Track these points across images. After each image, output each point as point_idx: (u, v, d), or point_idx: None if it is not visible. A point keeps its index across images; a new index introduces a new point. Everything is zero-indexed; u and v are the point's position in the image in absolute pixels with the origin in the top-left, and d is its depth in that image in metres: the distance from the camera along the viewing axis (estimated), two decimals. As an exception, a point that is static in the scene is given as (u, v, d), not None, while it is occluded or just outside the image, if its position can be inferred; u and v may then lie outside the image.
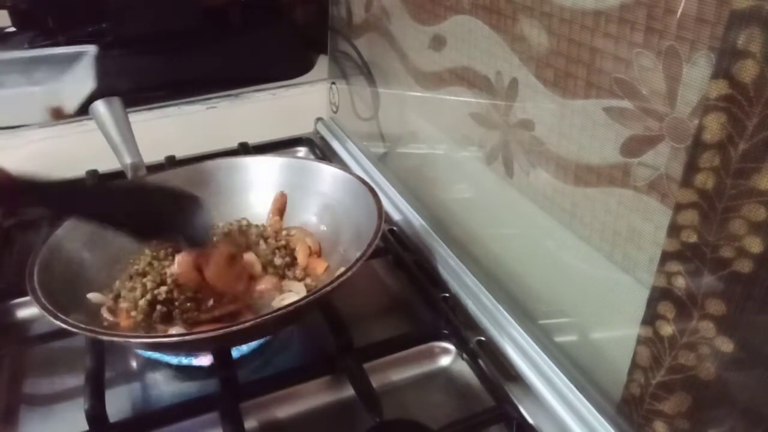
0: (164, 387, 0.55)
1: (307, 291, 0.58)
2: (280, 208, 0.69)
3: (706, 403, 0.38)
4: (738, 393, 0.36)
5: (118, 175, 0.72)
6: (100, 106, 0.71)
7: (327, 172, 0.67)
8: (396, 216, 0.74)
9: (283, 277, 0.60)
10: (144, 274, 0.58)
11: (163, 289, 0.56)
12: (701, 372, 0.38)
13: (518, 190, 0.55)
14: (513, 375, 0.52)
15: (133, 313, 0.55)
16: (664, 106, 0.38)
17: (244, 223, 0.66)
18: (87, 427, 0.48)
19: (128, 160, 0.69)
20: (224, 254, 0.56)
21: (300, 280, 0.60)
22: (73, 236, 0.59)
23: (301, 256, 0.63)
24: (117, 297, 0.58)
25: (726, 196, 0.33)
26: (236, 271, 0.57)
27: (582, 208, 0.47)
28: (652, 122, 0.39)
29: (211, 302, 0.56)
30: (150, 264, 0.60)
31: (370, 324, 0.60)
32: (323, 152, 0.92)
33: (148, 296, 0.55)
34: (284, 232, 0.66)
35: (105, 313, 0.56)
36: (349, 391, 0.51)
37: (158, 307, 0.55)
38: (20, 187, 0.45)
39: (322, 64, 1.02)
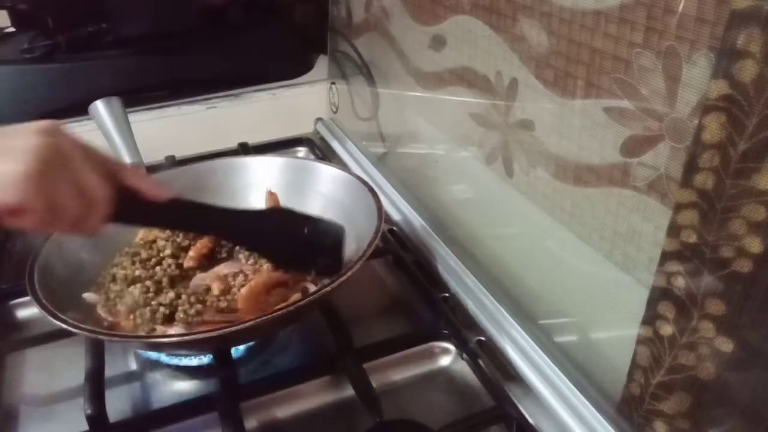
0: (164, 387, 0.55)
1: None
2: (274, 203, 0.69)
3: (706, 403, 0.38)
4: (738, 393, 0.36)
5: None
6: (99, 106, 0.71)
7: (327, 172, 0.67)
8: (396, 216, 0.74)
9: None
10: (135, 281, 0.58)
11: (169, 297, 0.56)
12: (701, 372, 0.38)
13: (518, 190, 0.55)
14: (513, 375, 0.52)
15: (131, 317, 0.55)
16: (663, 106, 0.38)
17: None
18: (87, 427, 0.48)
19: (128, 160, 0.69)
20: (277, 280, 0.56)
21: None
22: (73, 236, 0.59)
23: None
24: (109, 297, 0.58)
25: (726, 196, 0.33)
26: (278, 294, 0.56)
27: (582, 208, 0.47)
28: (652, 122, 0.39)
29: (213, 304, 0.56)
30: (138, 268, 0.60)
31: (370, 324, 0.60)
32: (323, 152, 0.92)
33: (153, 303, 0.55)
34: None
35: (102, 312, 0.55)
36: (349, 391, 0.51)
37: (161, 309, 0.55)
38: (166, 204, 0.48)
39: (322, 64, 1.02)
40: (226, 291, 0.57)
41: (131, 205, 0.45)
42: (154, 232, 0.65)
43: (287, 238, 0.54)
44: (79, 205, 0.41)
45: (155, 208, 0.47)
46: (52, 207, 0.40)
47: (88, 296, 0.57)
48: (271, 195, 0.69)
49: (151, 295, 0.57)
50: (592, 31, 0.42)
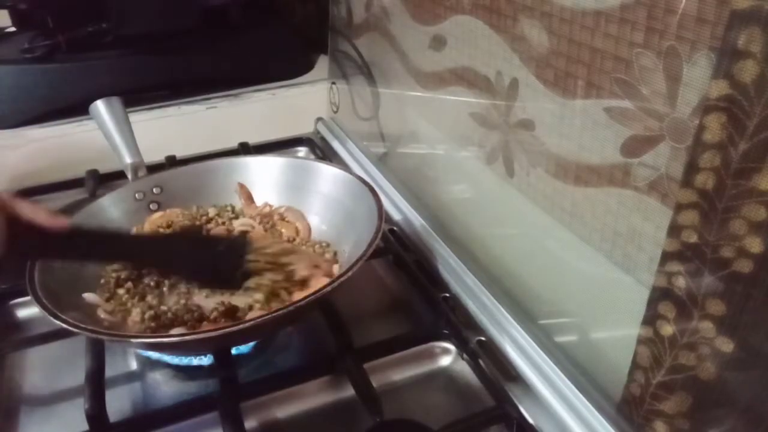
0: (164, 387, 0.55)
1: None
2: (248, 195, 0.70)
3: (706, 403, 0.38)
4: (738, 393, 0.36)
5: (119, 175, 0.72)
6: (100, 106, 0.71)
7: (327, 172, 0.67)
8: (396, 216, 0.74)
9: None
10: (144, 295, 0.59)
11: (174, 308, 0.57)
12: (701, 372, 0.38)
13: (518, 190, 0.55)
14: (513, 375, 0.52)
15: (137, 319, 0.56)
16: (664, 106, 0.38)
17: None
18: (87, 427, 0.48)
19: (128, 160, 0.69)
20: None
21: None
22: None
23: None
24: (110, 298, 0.58)
25: (726, 196, 0.33)
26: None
27: (582, 208, 0.47)
28: (653, 122, 0.39)
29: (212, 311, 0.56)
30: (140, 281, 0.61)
31: (370, 324, 0.60)
32: (323, 152, 0.92)
33: (156, 311, 0.56)
34: (275, 216, 0.68)
35: (102, 314, 0.56)
36: (349, 391, 0.51)
37: (164, 313, 0.56)
38: (67, 235, 0.45)
39: (322, 64, 1.02)
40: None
41: (28, 239, 0.42)
42: (148, 231, 0.65)
43: (202, 257, 0.53)
44: None
45: (57, 240, 0.44)
46: None
47: (88, 296, 0.57)
48: (242, 187, 0.70)
49: (155, 302, 0.57)
50: (593, 31, 0.42)
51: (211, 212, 0.69)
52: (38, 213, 0.43)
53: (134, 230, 0.66)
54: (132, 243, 0.52)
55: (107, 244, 0.50)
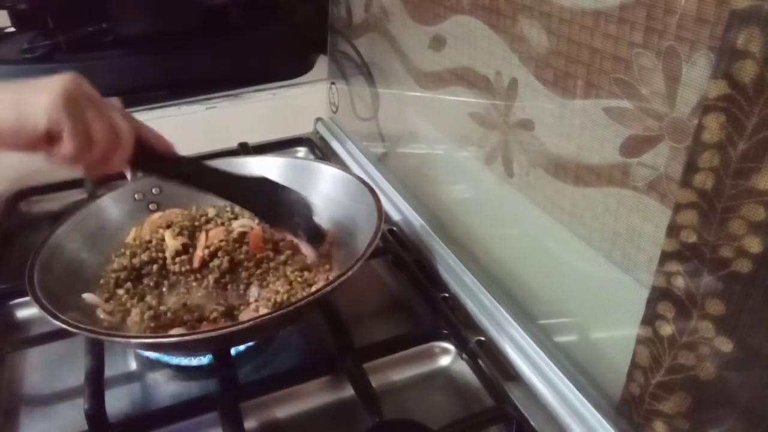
0: (164, 387, 0.55)
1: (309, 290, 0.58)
2: None
3: (705, 403, 0.38)
4: (738, 393, 0.36)
5: (118, 175, 0.72)
6: (99, 107, 0.71)
7: (327, 172, 0.67)
8: (396, 216, 0.74)
9: None
10: (143, 296, 0.59)
11: (174, 308, 0.57)
12: (701, 372, 0.38)
13: (518, 190, 0.55)
14: (513, 375, 0.52)
15: (136, 319, 0.56)
16: (663, 106, 0.38)
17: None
18: (87, 427, 0.48)
19: (127, 161, 0.69)
20: None
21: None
22: (72, 236, 0.60)
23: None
24: (110, 299, 0.58)
25: (725, 196, 0.33)
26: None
27: (582, 208, 0.47)
28: (652, 122, 0.39)
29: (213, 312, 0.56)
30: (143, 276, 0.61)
31: (370, 324, 0.60)
32: (323, 152, 0.92)
33: (156, 311, 0.57)
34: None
35: (101, 314, 0.56)
36: (349, 391, 0.51)
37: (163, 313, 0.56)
38: (174, 158, 0.53)
39: (322, 64, 1.02)
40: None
41: (146, 154, 0.49)
42: (148, 231, 0.65)
43: (269, 198, 0.59)
44: (108, 136, 0.45)
45: (165, 161, 0.52)
46: (82, 131, 0.43)
47: (88, 296, 0.57)
48: None
49: (155, 302, 0.58)
50: (592, 31, 0.42)
51: (211, 212, 0.69)
52: (156, 136, 0.51)
53: (133, 231, 0.66)
54: (222, 177, 0.57)
55: (204, 174, 0.56)
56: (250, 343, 0.57)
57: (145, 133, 0.50)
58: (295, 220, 0.59)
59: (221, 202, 0.70)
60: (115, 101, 0.48)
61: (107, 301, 0.58)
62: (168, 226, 0.66)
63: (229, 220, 0.68)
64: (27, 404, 0.54)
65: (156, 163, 0.52)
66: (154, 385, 0.55)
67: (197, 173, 0.56)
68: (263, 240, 0.64)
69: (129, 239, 0.65)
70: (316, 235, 0.60)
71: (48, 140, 0.43)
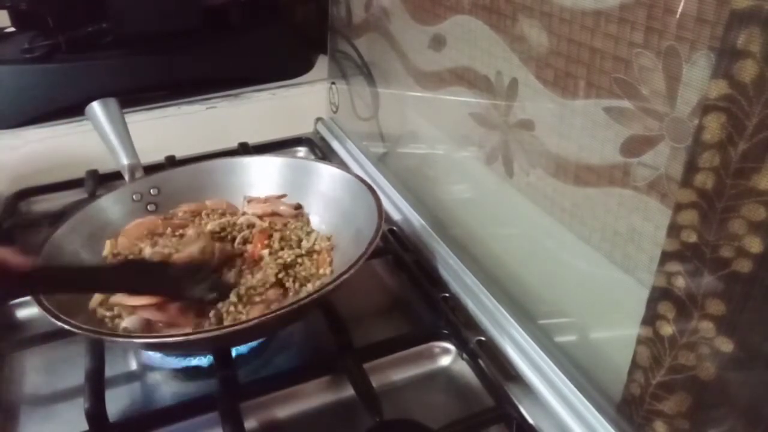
0: (164, 387, 0.55)
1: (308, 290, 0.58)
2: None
3: (706, 403, 0.38)
4: (738, 393, 0.36)
5: (119, 175, 0.72)
6: (96, 108, 0.71)
7: (327, 172, 0.67)
8: (396, 216, 0.74)
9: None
10: None
11: None
12: (701, 372, 0.38)
13: (518, 190, 0.55)
14: (513, 375, 0.52)
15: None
16: (663, 106, 0.38)
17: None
18: (87, 427, 0.48)
19: (125, 162, 0.69)
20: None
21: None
22: (72, 237, 0.59)
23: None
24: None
25: (726, 195, 0.33)
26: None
27: (582, 208, 0.47)
28: (652, 122, 0.39)
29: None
30: None
31: (370, 324, 0.60)
32: (323, 152, 0.92)
33: None
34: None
35: (101, 311, 0.55)
36: (349, 391, 0.51)
37: None
38: (31, 273, 0.46)
39: (322, 64, 1.02)
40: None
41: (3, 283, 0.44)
42: (145, 225, 0.64)
43: (161, 275, 0.55)
44: None
45: (24, 278, 0.45)
46: None
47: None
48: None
49: None
50: (592, 31, 0.42)
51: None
52: (4, 254, 0.43)
53: (108, 245, 0.62)
54: (99, 274, 0.53)
55: (75, 279, 0.51)
56: (251, 343, 0.56)
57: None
58: (201, 287, 0.54)
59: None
60: None
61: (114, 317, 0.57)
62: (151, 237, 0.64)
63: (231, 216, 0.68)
64: (27, 404, 0.54)
65: (10, 286, 0.45)
66: (154, 385, 0.55)
67: (58, 279, 0.50)
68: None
69: (106, 252, 0.61)
70: (226, 293, 0.55)
71: None
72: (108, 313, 0.55)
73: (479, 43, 0.56)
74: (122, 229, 0.64)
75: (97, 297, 0.57)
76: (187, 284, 0.54)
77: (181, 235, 0.64)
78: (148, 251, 0.60)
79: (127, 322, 0.54)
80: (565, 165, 0.48)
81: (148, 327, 0.54)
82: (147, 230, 0.64)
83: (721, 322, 0.36)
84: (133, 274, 0.54)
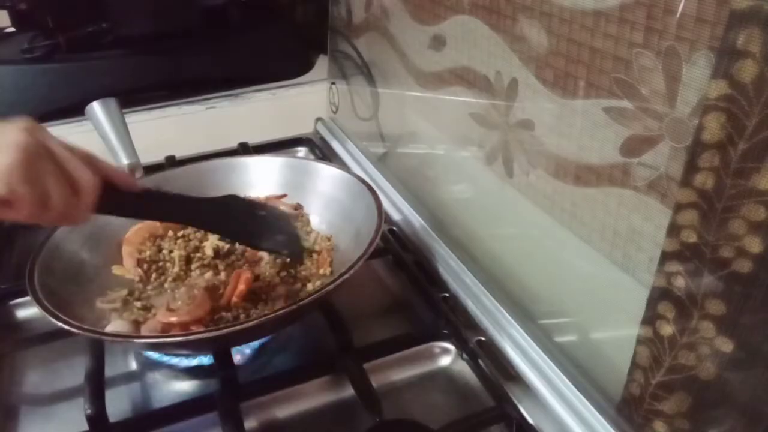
0: (164, 387, 0.55)
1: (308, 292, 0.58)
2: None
3: (706, 403, 0.38)
4: (738, 393, 0.36)
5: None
6: (96, 108, 0.71)
7: (327, 172, 0.67)
8: (396, 216, 0.74)
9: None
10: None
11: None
12: (701, 372, 0.38)
13: (518, 190, 0.55)
14: (513, 375, 0.52)
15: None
16: (663, 106, 0.38)
17: None
18: (87, 427, 0.48)
19: (125, 161, 0.69)
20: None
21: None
22: (72, 236, 0.59)
23: None
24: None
25: (725, 196, 0.33)
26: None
27: (582, 208, 0.47)
28: (652, 122, 0.39)
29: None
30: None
31: (370, 324, 0.60)
32: (323, 152, 0.92)
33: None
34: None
35: (100, 304, 0.56)
36: (349, 391, 0.51)
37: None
38: (136, 194, 0.50)
39: (322, 64, 1.02)
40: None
41: (111, 195, 0.47)
42: (146, 228, 0.64)
43: (243, 218, 0.57)
44: (67, 193, 0.43)
45: (131, 198, 0.49)
46: (40, 196, 0.41)
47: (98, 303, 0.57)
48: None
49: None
50: (592, 31, 0.42)
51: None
52: (118, 173, 0.48)
53: (133, 229, 0.65)
54: (192, 204, 0.55)
55: (173, 205, 0.54)
56: (251, 343, 0.56)
57: (108, 173, 0.47)
58: (278, 239, 0.57)
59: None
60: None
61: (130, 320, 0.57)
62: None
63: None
64: (27, 404, 0.54)
65: (120, 203, 0.49)
66: (154, 385, 0.55)
67: (161, 204, 0.53)
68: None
69: (117, 272, 0.61)
70: (299, 253, 0.59)
71: (1, 203, 0.40)
72: (108, 306, 0.56)
73: (479, 43, 0.57)
74: (122, 237, 0.64)
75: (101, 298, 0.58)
76: (268, 234, 0.57)
77: (183, 236, 0.65)
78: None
79: (144, 329, 0.54)
80: (564, 165, 0.48)
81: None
82: (148, 233, 0.65)
83: (721, 322, 0.36)
84: (228, 216, 0.56)
